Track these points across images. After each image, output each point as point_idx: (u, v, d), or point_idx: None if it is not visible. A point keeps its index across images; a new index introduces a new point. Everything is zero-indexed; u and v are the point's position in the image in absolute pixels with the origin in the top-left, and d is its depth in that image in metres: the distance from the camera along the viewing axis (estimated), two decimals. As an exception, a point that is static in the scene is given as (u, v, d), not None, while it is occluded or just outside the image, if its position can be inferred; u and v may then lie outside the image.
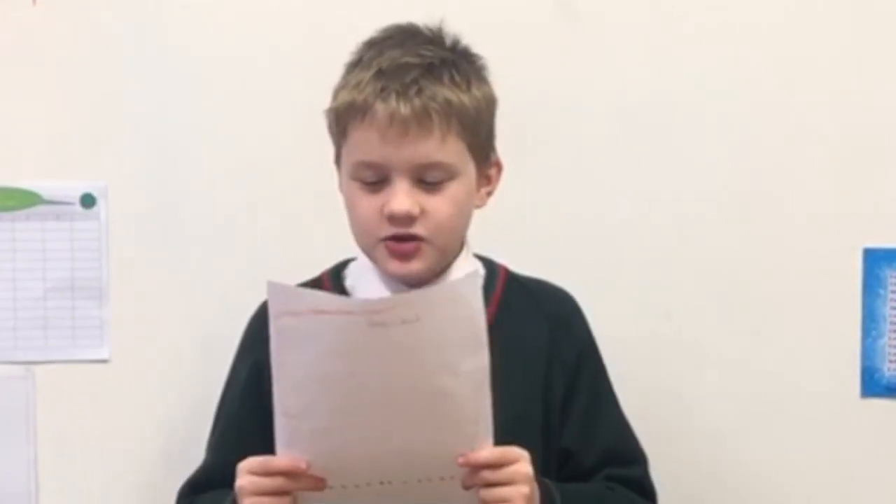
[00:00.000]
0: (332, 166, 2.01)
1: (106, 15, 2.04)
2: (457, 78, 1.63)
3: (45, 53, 2.03)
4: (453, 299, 1.46)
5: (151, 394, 2.06)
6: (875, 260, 2.03)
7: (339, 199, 2.01)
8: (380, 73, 1.62)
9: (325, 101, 2.02)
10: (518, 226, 2.00)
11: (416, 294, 1.52)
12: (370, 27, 2.01)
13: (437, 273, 1.68)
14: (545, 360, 1.72)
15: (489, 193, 1.72)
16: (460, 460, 1.50)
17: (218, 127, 2.06)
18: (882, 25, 2.03)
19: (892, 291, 2.03)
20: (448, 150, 1.62)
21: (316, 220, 2.06)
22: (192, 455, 2.03)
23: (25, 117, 2.03)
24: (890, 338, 2.04)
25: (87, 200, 2.04)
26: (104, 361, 2.05)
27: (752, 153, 2.05)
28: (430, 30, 1.69)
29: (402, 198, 1.61)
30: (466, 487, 1.51)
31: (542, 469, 1.63)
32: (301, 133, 2.05)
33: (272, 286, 1.47)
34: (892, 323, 2.03)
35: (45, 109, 2.03)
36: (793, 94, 2.05)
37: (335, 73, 2.02)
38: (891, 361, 2.04)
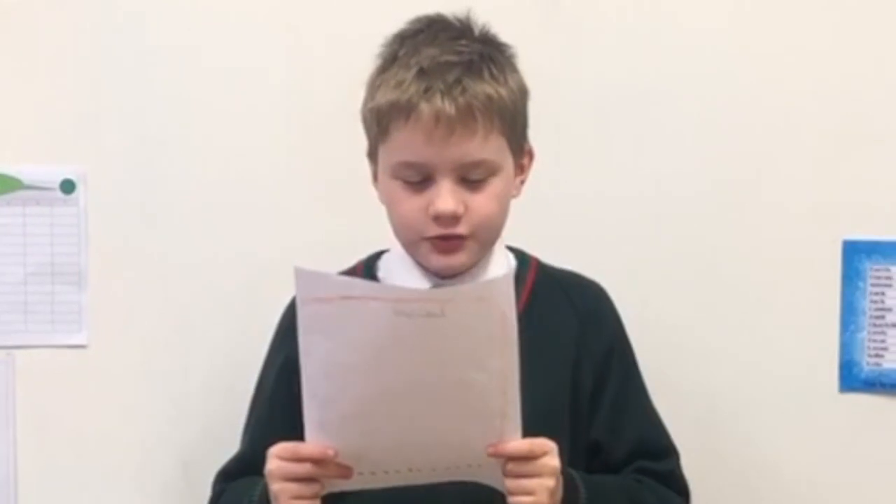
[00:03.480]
0: (314, 154, 2.06)
1: (87, 2, 2.04)
2: (495, 72, 1.65)
3: (26, 40, 2.03)
4: (481, 299, 1.46)
5: (129, 379, 2.06)
6: (854, 252, 2.02)
7: (323, 187, 2.05)
8: (422, 73, 1.62)
9: (310, 88, 2.06)
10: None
11: (443, 291, 1.52)
12: (352, 16, 2.04)
13: (475, 263, 1.70)
14: (574, 352, 1.73)
15: (522, 182, 1.74)
16: (490, 450, 1.51)
17: (199, 114, 2.06)
18: (863, 18, 2.02)
19: (872, 284, 2.02)
20: (490, 146, 1.64)
21: (296, 206, 2.07)
22: (170, 439, 2.07)
23: (6, 103, 2.03)
24: (869, 331, 2.03)
25: (67, 186, 2.04)
26: (82, 347, 2.06)
27: (732, 145, 2.05)
28: (459, 20, 1.69)
29: (447, 198, 1.62)
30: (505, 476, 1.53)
31: (570, 461, 1.64)
32: (283, 121, 2.07)
33: (300, 272, 1.47)
34: (871, 316, 2.02)
35: (25, 95, 2.03)
36: (773, 87, 2.04)
37: (318, 62, 2.05)
38: (869, 355, 2.03)
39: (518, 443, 1.51)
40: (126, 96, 2.05)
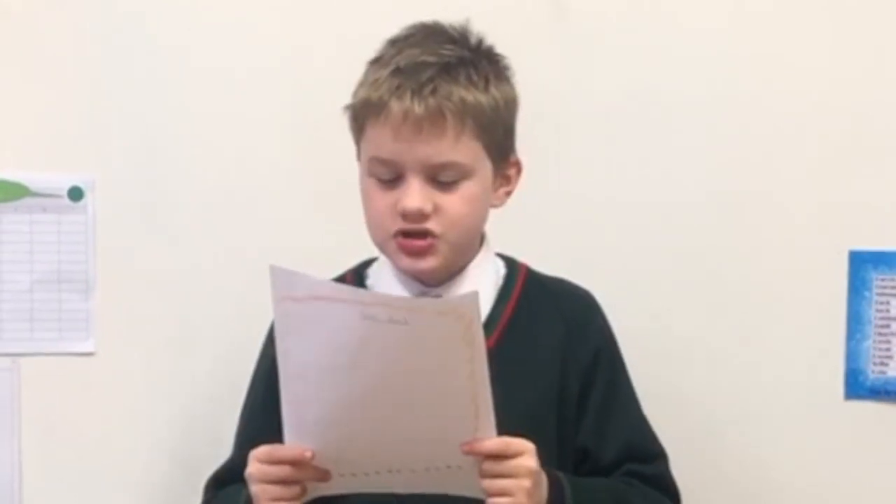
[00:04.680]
0: (319, 160, 2.05)
1: (94, 8, 2.03)
2: (474, 77, 1.64)
3: (34, 46, 2.02)
4: (443, 313, 1.46)
5: (136, 387, 2.06)
6: (860, 262, 2.04)
7: (330, 195, 2.04)
8: (397, 71, 1.63)
9: (313, 94, 2.05)
10: (500, 225, 2.00)
11: (407, 299, 1.54)
12: (355, 20, 2.04)
13: (453, 271, 1.69)
14: (559, 359, 1.73)
15: (508, 193, 1.73)
16: (464, 448, 1.51)
17: (206, 121, 2.06)
18: (867, 27, 2.04)
19: (878, 294, 2.04)
20: (462, 149, 1.63)
21: (303, 212, 2.07)
22: (177, 447, 2.07)
23: (13, 110, 2.03)
24: (874, 340, 2.04)
25: (75, 193, 2.03)
26: (90, 354, 2.05)
27: (739, 155, 2.06)
28: (455, 29, 1.69)
29: (414, 196, 1.62)
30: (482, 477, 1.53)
31: (558, 468, 1.64)
32: (289, 127, 2.07)
33: (274, 270, 1.49)
34: (876, 325, 2.04)
35: (33, 102, 2.03)
36: (779, 97, 2.05)
37: (321, 67, 2.05)
38: (875, 364, 2.05)
39: (492, 440, 1.52)
40: (134, 103, 2.04)
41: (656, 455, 1.77)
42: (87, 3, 2.04)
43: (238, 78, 2.06)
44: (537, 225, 2.04)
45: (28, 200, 2.03)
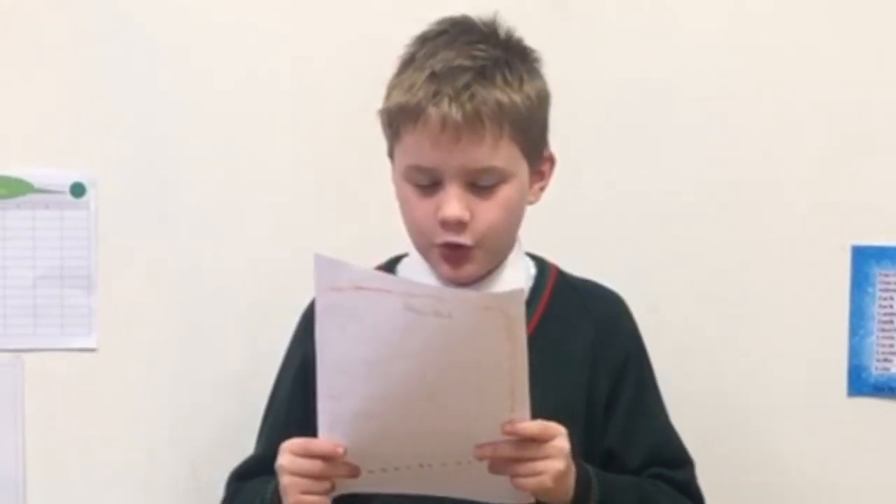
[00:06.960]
0: (323, 159, 2.06)
1: (94, 8, 2.04)
2: (509, 77, 1.63)
3: (36, 43, 2.04)
4: (488, 308, 1.46)
5: (138, 382, 2.07)
6: (863, 257, 2.03)
7: (332, 192, 2.06)
8: (433, 76, 1.62)
9: (313, 93, 2.06)
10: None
11: (453, 292, 1.52)
12: (361, 21, 2.05)
13: (489, 271, 1.69)
14: (590, 360, 1.73)
15: (542, 188, 1.73)
16: (506, 428, 1.50)
17: (208, 118, 2.06)
18: (870, 21, 2.03)
19: (881, 289, 2.02)
20: (500, 154, 1.63)
21: (305, 210, 2.07)
22: (179, 442, 2.07)
23: (16, 106, 2.04)
24: (878, 336, 2.03)
25: (77, 189, 2.04)
26: (92, 350, 2.06)
27: (740, 150, 2.05)
28: (485, 24, 1.68)
29: (453, 204, 1.62)
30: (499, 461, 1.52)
31: None
32: (293, 126, 2.07)
33: (319, 259, 1.48)
34: (879, 321, 2.03)
35: (36, 98, 2.04)
36: (783, 91, 2.04)
37: (327, 66, 2.05)
38: (878, 360, 2.03)
39: (532, 423, 1.51)
40: (136, 100, 2.05)
41: (683, 462, 1.77)
42: (87, 3, 2.05)
43: (240, 74, 2.06)
44: (539, 220, 2.03)
45: (31, 197, 2.04)
